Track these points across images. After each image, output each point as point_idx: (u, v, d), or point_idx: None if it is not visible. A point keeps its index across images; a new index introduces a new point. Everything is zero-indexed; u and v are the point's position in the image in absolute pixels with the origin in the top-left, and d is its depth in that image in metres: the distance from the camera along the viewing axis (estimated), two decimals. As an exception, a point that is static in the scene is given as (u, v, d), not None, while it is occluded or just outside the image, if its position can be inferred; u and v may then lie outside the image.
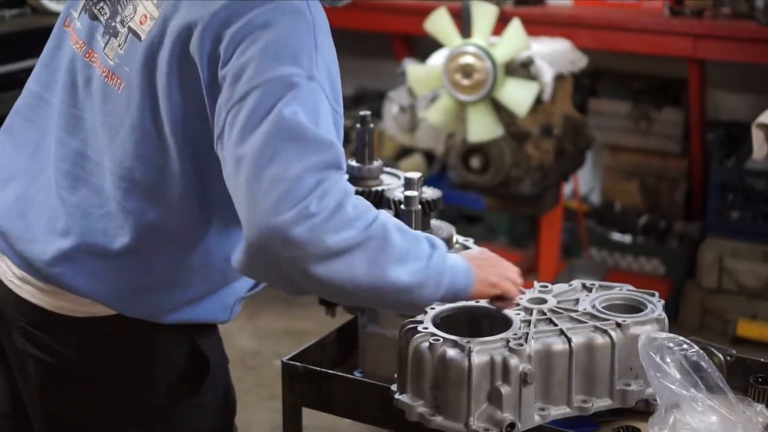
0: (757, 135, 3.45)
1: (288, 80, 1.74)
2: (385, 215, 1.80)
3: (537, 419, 1.87)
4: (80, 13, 2.02)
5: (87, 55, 1.97)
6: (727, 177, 4.88)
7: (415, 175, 2.17)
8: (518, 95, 4.02)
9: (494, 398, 1.83)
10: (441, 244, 1.86)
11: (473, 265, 1.90)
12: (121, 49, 1.91)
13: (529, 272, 4.70)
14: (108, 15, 1.96)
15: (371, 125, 2.35)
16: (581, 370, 1.89)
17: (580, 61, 4.48)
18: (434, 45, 4.39)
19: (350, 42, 6.04)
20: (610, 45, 4.88)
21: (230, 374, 2.21)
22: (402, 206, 2.12)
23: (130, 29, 1.90)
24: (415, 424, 1.89)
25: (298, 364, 2.18)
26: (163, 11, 1.85)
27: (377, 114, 4.79)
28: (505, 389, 1.81)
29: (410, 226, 2.10)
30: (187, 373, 2.05)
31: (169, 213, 1.89)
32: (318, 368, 2.17)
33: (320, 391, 2.17)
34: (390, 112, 4.53)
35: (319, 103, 1.76)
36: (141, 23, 1.87)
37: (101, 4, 1.98)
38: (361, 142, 2.35)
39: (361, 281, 1.75)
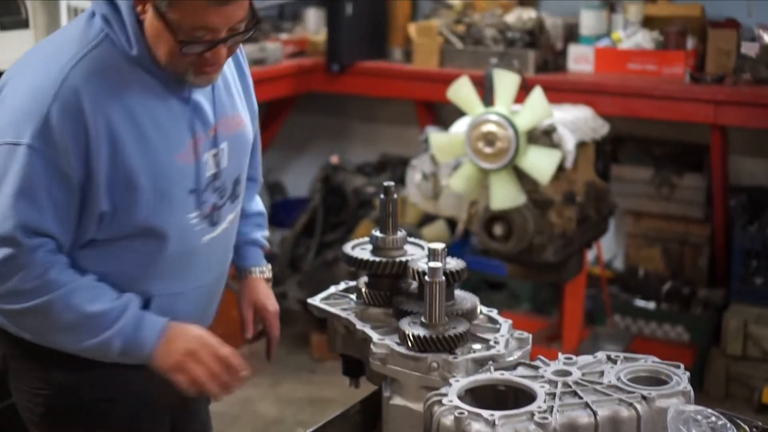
0: (779, 202, 3.46)
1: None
2: (63, 292, 2.04)
3: (563, 493, 1.85)
4: None
5: None
6: (751, 243, 4.87)
7: (439, 245, 2.17)
8: (540, 163, 4.04)
9: (520, 472, 1.81)
10: (128, 319, 2.09)
11: (162, 344, 2.12)
12: None
13: (553, 340, 4.69)
14: None
15: (395, 196, 2.36)
16: (607, 443, 1.88)
17: (602, 128, 4.49)
18: (457, 112, 4.42)
19: (374, 108, 6.12)
20: (631, 111, 4.90)
21: (130, 414, 2.28)
22: (426, 277, 2.12)
23: None
24: (440, 498, 1.88)
25: (322, 436, 2.17)
26: None
27: (400, 180, 4.81)
28: (530, 463, 1.80)
29: (434, 296, 2.11)
30: (55, 403, 2.22)
31: None
32: (342, 440, 2.16)
33: (344, 464, 2.16)
34: (413, 180, 4.55)
35: (18, 172, 1.98)
36: None
37: None
38: (384, 213, 2.35)
39: (37, 340, 2.13)
